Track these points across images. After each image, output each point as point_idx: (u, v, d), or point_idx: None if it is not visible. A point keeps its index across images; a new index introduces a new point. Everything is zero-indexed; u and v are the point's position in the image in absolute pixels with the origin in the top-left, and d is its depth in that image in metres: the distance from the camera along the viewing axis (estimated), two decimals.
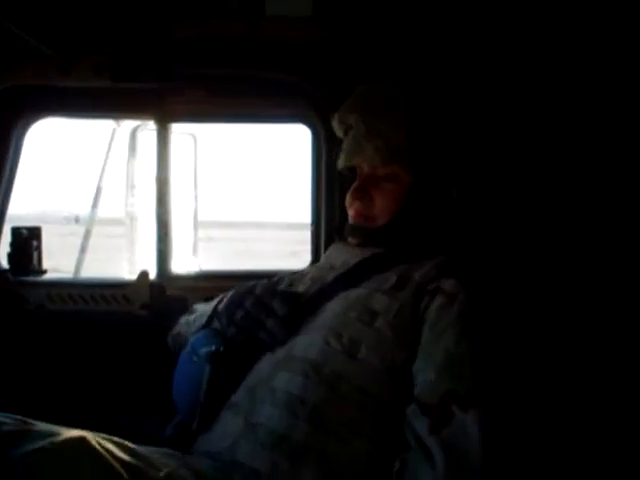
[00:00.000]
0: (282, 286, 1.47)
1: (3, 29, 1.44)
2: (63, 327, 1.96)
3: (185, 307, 1.96)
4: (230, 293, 1.41)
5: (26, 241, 2.03)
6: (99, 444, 0.93)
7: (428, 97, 1.44)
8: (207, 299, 1.60)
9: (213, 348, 1.29)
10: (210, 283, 2.03)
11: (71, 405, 1.91)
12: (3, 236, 2.00)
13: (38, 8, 1.53)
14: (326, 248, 1.75)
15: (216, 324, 1.40)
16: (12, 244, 2.02)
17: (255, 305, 1.28)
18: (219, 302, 1.45)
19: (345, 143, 1.45)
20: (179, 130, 2.08)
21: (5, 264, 2.02)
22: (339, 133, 1.50)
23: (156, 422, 1.48)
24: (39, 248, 2.07)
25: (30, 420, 0.97)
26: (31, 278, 2.02)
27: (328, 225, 1.95)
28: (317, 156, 1.99)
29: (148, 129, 2.36)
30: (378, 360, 1.17)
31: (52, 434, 0.92)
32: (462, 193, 1.40)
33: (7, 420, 0.94)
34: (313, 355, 1.20)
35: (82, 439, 0.92)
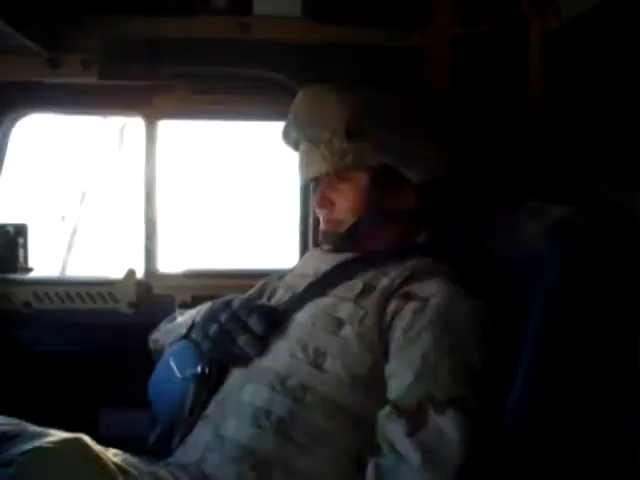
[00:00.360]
0: (265, 295, 1.49)
1: None
2: (49, 325, 1.95)
3: (172, 306, 1.97)
4: (208, 305, 1.41)
5: (12, 238, 2.02)
6: (94, 445, 0.94)
7: (364, 90, 1.43)
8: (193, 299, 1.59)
9: (199, 370, 1.31)
10: (197, 281, 2.02)
11: (58, 403, 1.90)
12: None
13: (26, 4, 1.52)
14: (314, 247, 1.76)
15: (194, 334, 1.40)
16: None
17: (230, 320, 1.27)
18: (198, 312, 1.45)
19: (298, 158, 1.45)
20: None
21: None
22: (292, 149, 1.50)
23: (142, 419, 1.48)
24: (25, 245, 2.05)
25: (24, 422, 0.97)
26: (17, 276, 2.01)
27: (316, 224, 1.95)
28: None
29: (136, 126, 2.35)
30: (344, 369, 1.17)
31: (48, 434, 0.92)
32: (422, 178, 1.38)
33: (1, 421, 0.95)
34: (279, 366, 1.21)
35: (78, 439, 0.93)
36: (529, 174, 1.68)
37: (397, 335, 1.17)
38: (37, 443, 0.89)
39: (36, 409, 1.89)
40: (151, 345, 1.62)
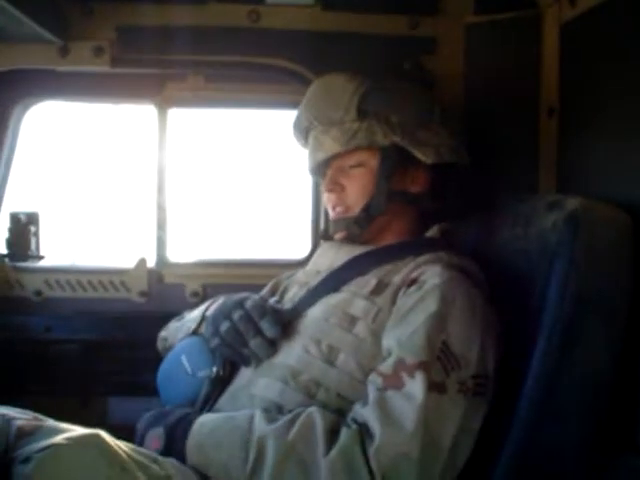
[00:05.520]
0: (277, 294, 1.48)
1: (4, 12, 1.42)
2: (60, 313, 1.96)
3: (183, 295, 1.97)
4: (219, 300, 1.41)
5: (24, 226, 2.02)
6: (112, 440, 0.94)
7: (373, 75, 1.43)
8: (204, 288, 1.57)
9: (214, 371, 1.31)
10: (208, 271, 2.03)
11: (68, 391, 1.91)
12: (1, 221, 1.99)
13: None
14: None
15: (204, 329, 1.39)
16: (10, 229, 2.01)
17: (242, 320, 1.26)
18: (208, 307, 1.46)
19: (309, 146, 1.46)
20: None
21: (3, 249, 2.01)
22: (301, 141, 1.51)
23: (151, 409, 1.48)
24: (37, 233, 2.06)
25: (40, 416, 0.97)
26: (29, 264, 2.01)
27: (328, 217, 1.95)
28: None
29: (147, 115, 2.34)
30: (357, 366, 1.17)
31: (65, 430, 0.92)
32: (432, 160, 1.37)
33: (18, 415, 0.94)
34: (292, 362, 1.21)
35: (96, 435, 0.93)
36: (543, 166, 1.67)
37: (393, 313, 1.19)
38: (54, 440, 0.89)
39: (46, 397, 1.90)
40: (159, 344, 1.60)
